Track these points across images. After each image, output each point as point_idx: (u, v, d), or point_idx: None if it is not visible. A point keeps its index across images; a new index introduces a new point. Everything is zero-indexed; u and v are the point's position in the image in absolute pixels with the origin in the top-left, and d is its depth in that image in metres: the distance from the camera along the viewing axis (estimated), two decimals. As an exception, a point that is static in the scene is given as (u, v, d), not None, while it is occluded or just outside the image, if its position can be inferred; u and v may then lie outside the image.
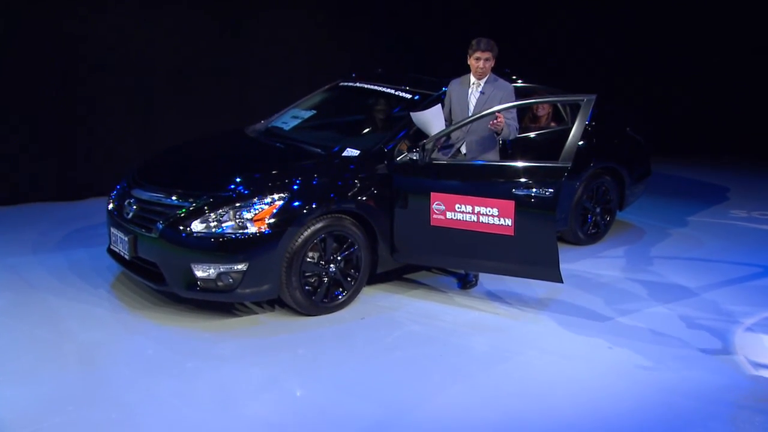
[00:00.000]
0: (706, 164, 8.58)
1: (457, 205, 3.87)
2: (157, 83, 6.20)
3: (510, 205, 3.74)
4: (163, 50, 6.17)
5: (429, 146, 3.96)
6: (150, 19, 6.05)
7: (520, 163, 3.82)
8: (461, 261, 4.09)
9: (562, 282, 3.86)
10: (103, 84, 5.95)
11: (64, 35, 5.71)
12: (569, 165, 3.66)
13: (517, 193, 3.73)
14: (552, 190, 3.67)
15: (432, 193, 3.92)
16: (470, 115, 4.05)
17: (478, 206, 3.82)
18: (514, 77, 4.88)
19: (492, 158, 4.11)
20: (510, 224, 3.76)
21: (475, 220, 3.84)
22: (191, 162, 4.33)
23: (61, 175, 5.93)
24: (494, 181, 3.82)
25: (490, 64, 4.09)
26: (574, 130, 3.72)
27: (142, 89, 6.13)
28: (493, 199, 3.78)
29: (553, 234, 3.77)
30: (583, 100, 3.80)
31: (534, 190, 3.71)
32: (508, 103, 3.99)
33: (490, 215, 3.80)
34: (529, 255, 3.82)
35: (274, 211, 3.65)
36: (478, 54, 4.05)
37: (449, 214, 3.90)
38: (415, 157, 3.98)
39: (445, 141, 4.15)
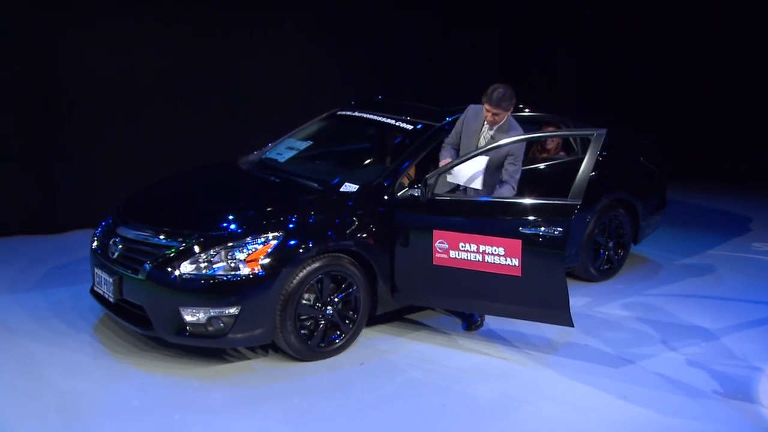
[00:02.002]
0: (726, 192, 8.65)
1: (461, 244, 3.92)
2: (145, 111, 6.29)
3: (517, 244, 3.79)
4: (150, 76, 6.26)
5: (431, 181, 4.04)
6: (135, 44, 6.16)
7: (527, 200, 3.88)
8: (466, 302, 4.15)
9: (572, 326, 3.90)
10: (87, 110, 6.03)
11: (46, 59, 5.80)
12: (579, 202, 3.73)
13: (524, 231, 3.79)
14: (561, 229, 3.73)
15: (435, 231, 3.98)
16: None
17: (484, 245, 3.87)
18: (521, 105, 4.98)
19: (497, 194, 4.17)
20: (517, 264, 3.81)
21: (480, 259, 3.89)
22: (180, 197, 4.40)
23: (41, 206, 5.98)
24: (500, 219, 3.88)
25: (501, 118, 4.10)
26: (584, 166, 3.79)
27: (128, 117, 6.22)
28: (499, 237, 3.83)
29: (563, 275, 3.82)
30: (593, 134, 3.88)
31: (542, 228, 3.76)
32: (514, 154, 4.07)
33: (496, 255, 3.85)
34: (537, 297, 3.87)
35: (269, 250, 3.71)
36: (487, 106, 4.08)
37: (453, 253, 3.95)
38: (416, 193, 4.05)
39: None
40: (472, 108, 4.31)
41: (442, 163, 4.21)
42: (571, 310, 3.84)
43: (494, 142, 4.08)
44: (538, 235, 3.76)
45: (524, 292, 3.87)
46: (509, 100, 4.06)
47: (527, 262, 3.79)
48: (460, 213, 4.00)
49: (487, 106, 4.08)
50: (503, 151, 4.08)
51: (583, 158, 3.83)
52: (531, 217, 3.80)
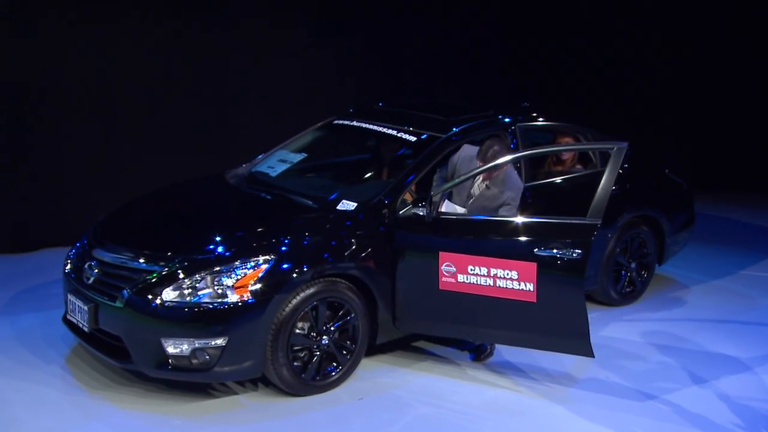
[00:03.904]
0: (761, 205, 8.66)
1: (470, 267, 3.95)
2: (123, 118, 6.31)
3: (531, 267, 3.83)
4: (129, 80, 6.29)
5: (436, 199, 4.07)
6: (114, 44, 6.18)
7: (542, 220, 3.93)
8: (474, 331, 4.18)
9: (593, 356, 3.92)
10: (62, 118, 6.05)
11: (12, 60, 5.81)
12: (599, 222, 3.77)
13: (539, 254, 3.82)
14: (580, 251, 3.76)
15: (441, 253, 4.01)
16: (468, 201, 4.26)
17: (495, 268, 3.90)
18: (534, 114, 5.02)
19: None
20: (532, 289, 3.84)
21: (491, 284, 3.92)
22: (162, 216, 4.43)
23: (7, 223, 5.99)
24: (513, 240, 3.92)
25: (497, 173, 4.20)
26: (604, 182, 3.83)
27: (105, 124, 6.24)
28: (512, 260, 3.87)
29: (582, 300, 3.84)
30: (614, 148, 3.91)
31: (560, 250, 3.80)
32: (511, 204, 4.19)
33: (508, 279, 3.88)
34: (554, 325, 3.91)
35: (259, 275, 3.73)
36: (481, 164, 4.15)
37: (461, 277, 3.98)
38: (421, 213, 4.08)
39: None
40: (467, 148, 4.41)
41: None
42: (591, 339, 3.86)
43: (488, 192, 4.24)
44: (555, 258, 3.80)
45: (539, 320, 3.90)
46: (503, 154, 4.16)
47: (543, 287, 3.83)
48: (468, 233, 4.05)
49: (481, 164, 4.16)
50: (499, 200, 4.21)
51: (603, 172, 3.89)
52: (547, 238, 3.83)
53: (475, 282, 3.94)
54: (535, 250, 3.83)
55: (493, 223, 4.05)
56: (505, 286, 3.89)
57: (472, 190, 4.31)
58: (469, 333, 4.26)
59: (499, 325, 4.03)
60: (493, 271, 3.90)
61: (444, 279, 4.01)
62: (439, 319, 4.17)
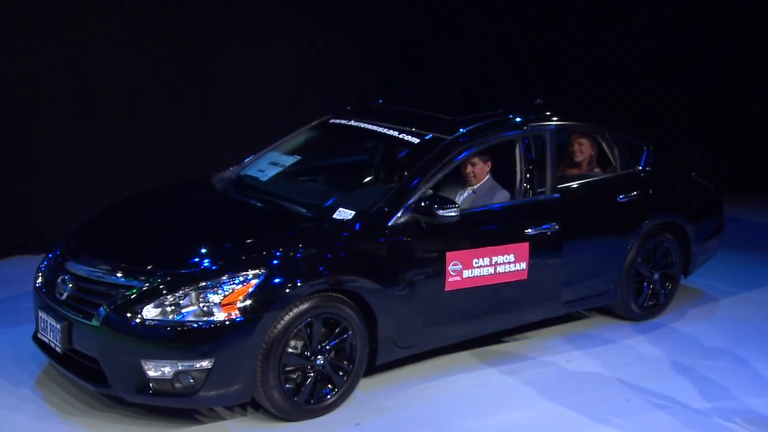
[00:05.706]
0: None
1: (474, 261, 4.35)
2: (102, 118, 6.32)
3: (525, 247, 4.51)
4: (107, 77, 6.30)
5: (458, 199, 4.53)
6: (90, 41, 6.20)
7: (523, 201, 4.62)
8: (477, 325, 4.57)
9: (562, 313, 4.88)
10: (34, 116, 6.07)
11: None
12: (558, 195, 4.70)
13: (530, 233, 4.53)
14: (557, 225, 4.62)
15: (447, 253, 4.25)
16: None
17: (495, 255, 4.42)
18: (548, 113, 5.02)
19: None
20: (524, 268, 4.53)
21: (492, 272, 4.42)
22: (142, 225, 4.42)
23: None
24: (508, 224, 4.54)
25: (480, 168, 4.70)
26: (548, 163, 4.71)
27: (82, 124, 6.25)
28: (508, 244, 4.46)
29: (558, 267, 4.69)
30: (546, 133, 4.75)
31: (543, 226, 4.58)
32: (500, 201, 4.65)
33: (507, 263, 4.47)
34: (536, 295, 4.68)
35: (249, 291, 3.72)
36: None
37: (466, 273, 4.33)
38: (453, 214, 4.15)
39: None
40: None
41: None
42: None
43: (474, 195, 4.70)
44: (541, 234, 4.56)
45: (527, 294, 4.60)
46: (488, 153, 4.71)
47: (532, 263, 4.55)
48: (472, 226, 4.42)
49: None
50: (485, 200, 4.68)
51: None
52: (533, 217, 4.56)
53: (479, 274, 4.37)
54: (526, 230, 4.52)
55: (494, 211, 4.56)
56: (503, 270, 4.46)
57: (459, 198, 4.70)
58: (473, 329, 4.57)
59: (495, 310, 4.57)
60: (494, 259, 4.41)
61: (450, 279, 4.28)
62: (446, 325, 4.39)
